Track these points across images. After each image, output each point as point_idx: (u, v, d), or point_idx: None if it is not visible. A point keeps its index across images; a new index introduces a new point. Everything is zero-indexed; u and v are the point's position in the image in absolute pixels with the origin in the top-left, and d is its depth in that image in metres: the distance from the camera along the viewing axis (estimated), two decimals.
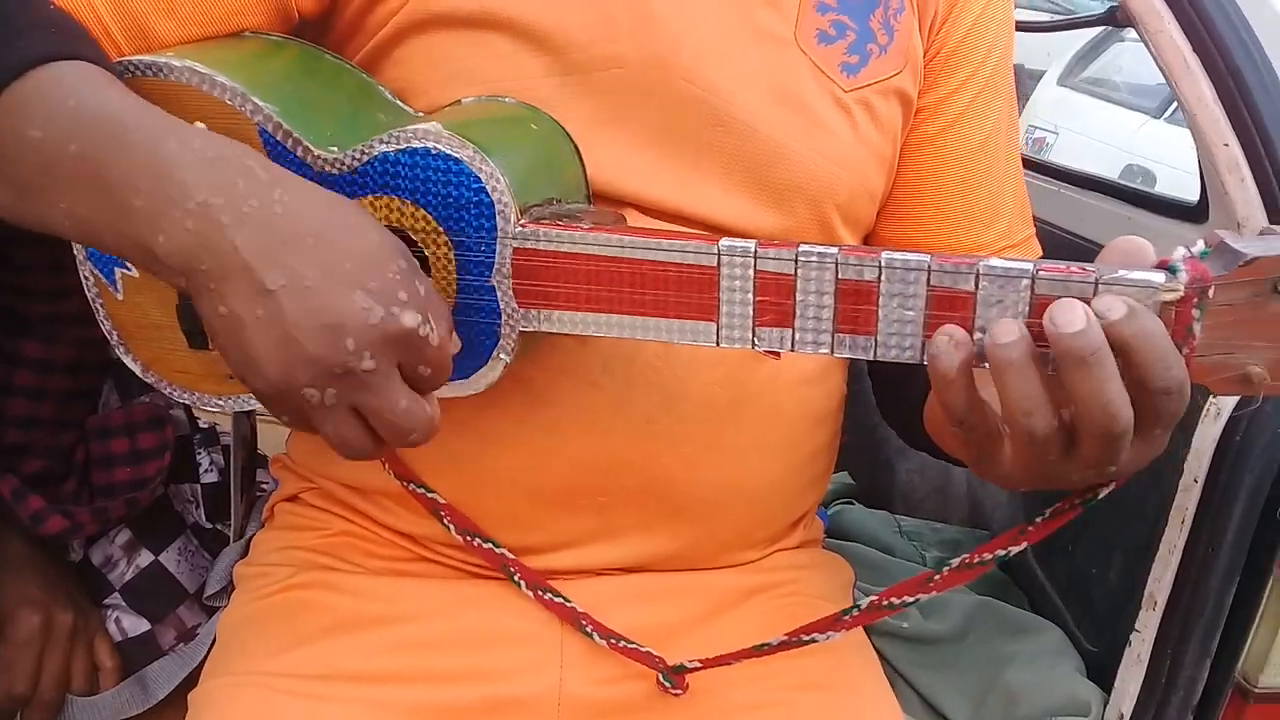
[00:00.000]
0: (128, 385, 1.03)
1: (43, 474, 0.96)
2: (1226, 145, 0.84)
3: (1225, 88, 0.84)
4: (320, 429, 0.56)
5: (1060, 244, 1.17)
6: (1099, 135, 3.51)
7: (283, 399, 0.55)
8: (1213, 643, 0.87)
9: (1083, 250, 1.12)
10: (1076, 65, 3.81)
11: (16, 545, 0.95)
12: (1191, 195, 1.01)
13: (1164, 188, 3.04)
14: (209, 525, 1.05)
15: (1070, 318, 0.52)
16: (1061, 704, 0.97)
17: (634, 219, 0.72)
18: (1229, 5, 0.84)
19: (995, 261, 0.56)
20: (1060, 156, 3.47)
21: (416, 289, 0.56)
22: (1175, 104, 0.94)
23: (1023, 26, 1.26)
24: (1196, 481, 0.84)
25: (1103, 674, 0.98)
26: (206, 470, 1.06)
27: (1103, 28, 1.18)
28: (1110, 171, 3.25)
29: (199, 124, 0.57)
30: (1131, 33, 0.93)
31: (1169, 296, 0.53)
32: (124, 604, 0.99)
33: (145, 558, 1.01)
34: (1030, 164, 1.35)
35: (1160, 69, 0.89)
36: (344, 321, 0.53)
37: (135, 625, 0.99)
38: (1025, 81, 3.93)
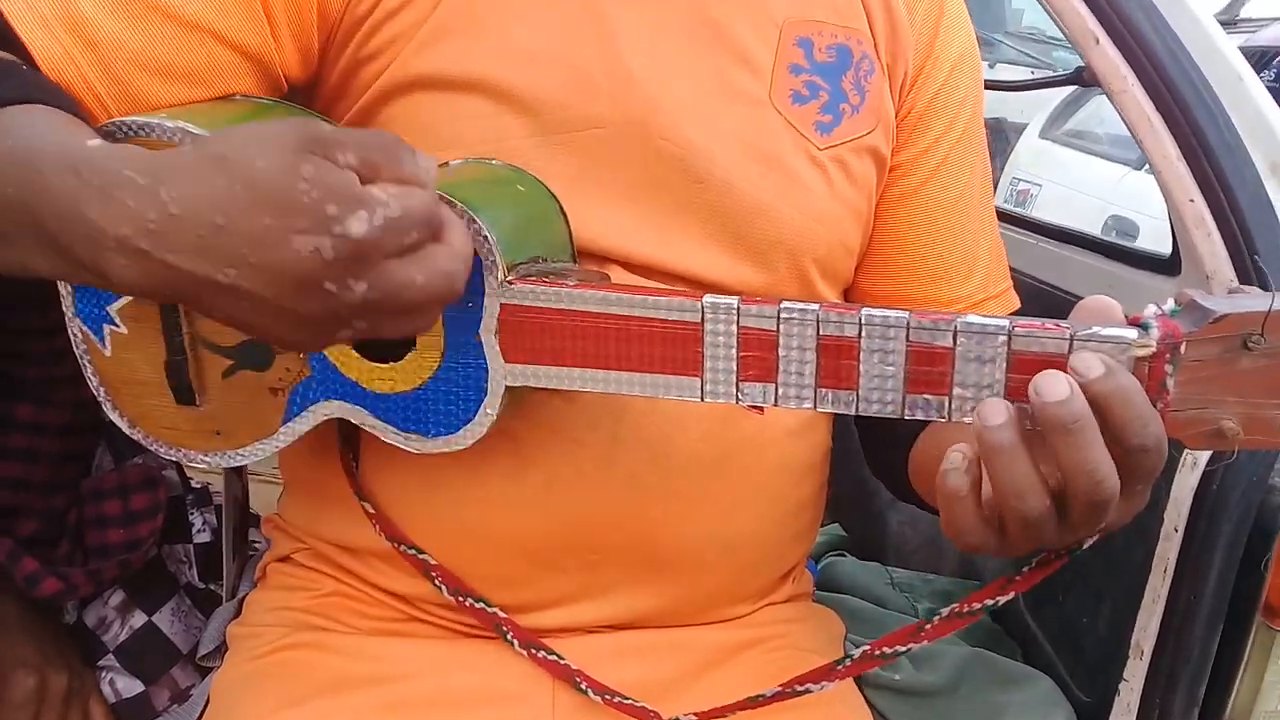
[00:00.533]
0: (121, 447, 1.04)
1: (36, 536, 0.97)
2: (1192, 201, 0.87)
3: (1189, 145, 0.86)
4: (396, 334, 0.54)
5: (1042, 296, 1.19)
6: (1082, 187, 3.56)
7: (336, 344, 0.54)
8: (1199, 690, 0.87)
9: (1064, 302, 1.14)
10: (1058, 118, 3.87)
11: (11, 607, 0.96)
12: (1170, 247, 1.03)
13: (1146, 238, 3.07)
14: (202, 585, 1.06)
15: (1054, 388, 0.54)
16: None
17: (616, 274, 0.73)
18: (1189, 65, 0.86)
19: (972, 318, 0.57)
20: (1044, 209, 3.51)
21: (337, 184, 0.50)
22: None
23: (996, 86, 1.30)
24: (1176, 531, 0.85)
25: None
26: (199, 530, 1.07)
27: None
28: (1094, 223, 3.28)
29: (93, 141, 0.55)
30: None
31: (1142, 352, 0.55)
32: (118, 665, 1.00)
33: (139, 618, 1.01)
34: (1013, 219, 1.38)
35: (1127, 127, 0.91)
36: (306, 274, 0.50)
37: (129, 686, 0.99)
38: (1007, 135, 3.99)
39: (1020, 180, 3.78)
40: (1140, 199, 3.24)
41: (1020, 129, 4.02)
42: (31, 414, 0.96)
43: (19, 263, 0.55)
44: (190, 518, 1.06)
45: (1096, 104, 3.72)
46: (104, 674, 1.00)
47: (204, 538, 1.06)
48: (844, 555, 1.40)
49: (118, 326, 0.69)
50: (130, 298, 0.69)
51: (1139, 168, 3.35)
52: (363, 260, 0.50)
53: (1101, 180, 3.57)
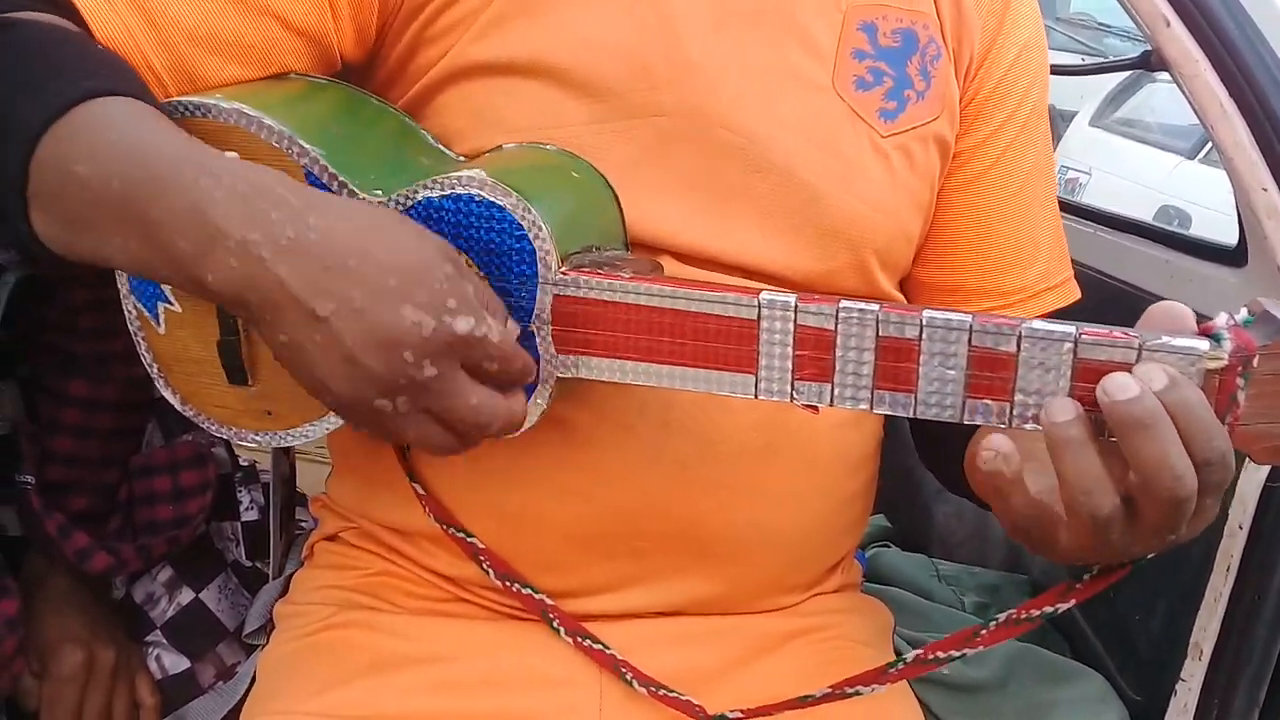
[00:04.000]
0: (171, 424, 1.05)
1: (87, 511, 0.98)
2: (1265, 190, 0.84)
3: (1262, 132, 0.83)
4: (401, 435, 0.58)
5: (1093, 285, 1.16)
6: (1132, 176, 3.51)
7: (357, 412, 0.57)
8: (1260, 692, 0.85)
9: (1119, 292, 1.12)
10: (1108, 106, 3.82)
11: (61, 582, 0.97)
12: (1227, 237, 1.00)
13: (1199, 229, 3.02)
14: (249, 563, 1.06)
15: (1123, 384, 0.53)
16: None
17: (670, 264, 0.72)
18: (1264, 50, 0.84)
19: (1037, 324, 0.56)
20: (1094, 197, 3.46)
21: (465, 291, 0.57)
22: (1209, 145, 0.94)
23: (1056, 70, 1.27)
24: (1241, 528, 0.83)
25: None
26: (247, 508, 1.07)
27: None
28: (1145, 212, 3.23)
29: (230, 153, 0.58)
30: (1163, 73, 0.93)
31: (1213, 365, 0.53)
32: (165, 641, 1.00)
33: (186, 595, 1.02)
34: (1067, 206, 1.34)
35: (1196, 113, 0.89)
36: (398, 337, 0.54)
37: (176, 663, 1.00)
38: (1057, 122, 3.93)
39: (1069, 168, 3.73)
40: (1193, 189, 3.19)
41: (1069, 116, 3.97)
42: (85, 389, 0.97)
43: (93, 250, 0.57)
44: (238, 495, 1.07)
45: (1148, 92, 3.66)
46: (150, 650, 1.01)
47: (251, 516, 1.07)
48: (888, 546, 1.38)
49: (172, 305, 0.69)
50: None
51: (1191, 157, 3.30)
52: (448, 354, 0.56)
53: (1153, 169, 3.52)
